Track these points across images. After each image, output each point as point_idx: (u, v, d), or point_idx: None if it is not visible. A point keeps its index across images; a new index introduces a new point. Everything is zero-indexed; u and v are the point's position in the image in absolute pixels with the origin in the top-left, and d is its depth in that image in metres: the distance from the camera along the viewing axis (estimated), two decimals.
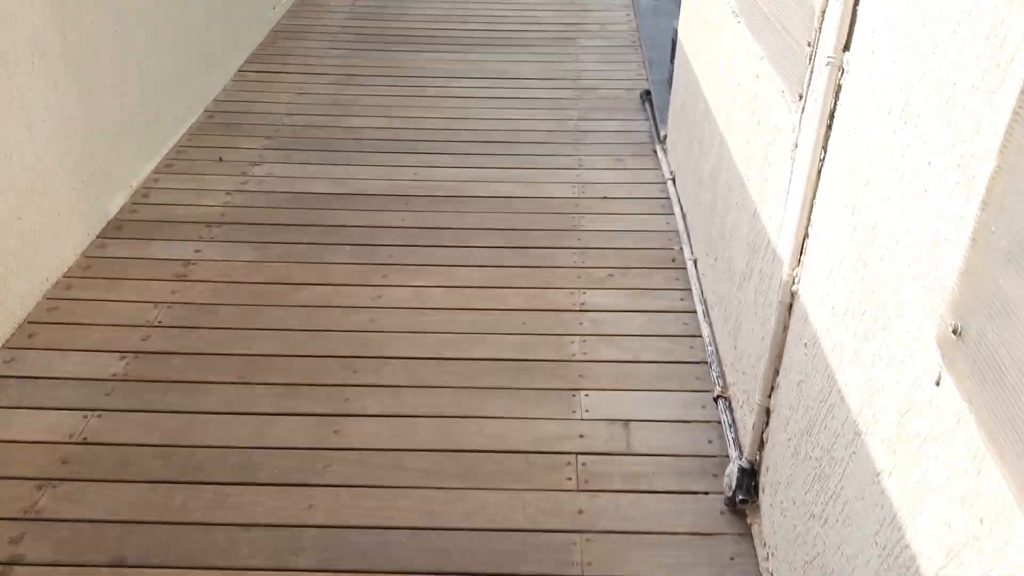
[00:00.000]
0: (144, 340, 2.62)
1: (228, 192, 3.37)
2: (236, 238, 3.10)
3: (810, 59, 1.76)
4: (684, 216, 3.13)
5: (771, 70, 2.04)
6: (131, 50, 3.27)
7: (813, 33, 1.75)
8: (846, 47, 1.57)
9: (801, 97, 1.81)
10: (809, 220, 1.72)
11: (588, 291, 2.85)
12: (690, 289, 2.83)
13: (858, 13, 1.52)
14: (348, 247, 3.08)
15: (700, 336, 2.63)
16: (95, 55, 3.00)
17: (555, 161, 3.64)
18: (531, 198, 3.38)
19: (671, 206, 3.27)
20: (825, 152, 1.66)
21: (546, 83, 4.33)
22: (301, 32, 4.90)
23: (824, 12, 1.70)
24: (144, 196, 3.33)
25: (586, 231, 3.17)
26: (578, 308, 2.77)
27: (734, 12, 2.44)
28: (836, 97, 1.61)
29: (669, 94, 3.88)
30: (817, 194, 1.69)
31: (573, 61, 4.57)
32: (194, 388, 2.45)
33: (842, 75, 1.58)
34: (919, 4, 1.26)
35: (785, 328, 1.84)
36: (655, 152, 3.65)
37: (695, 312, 2.72)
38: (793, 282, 1.79)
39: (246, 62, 4.46)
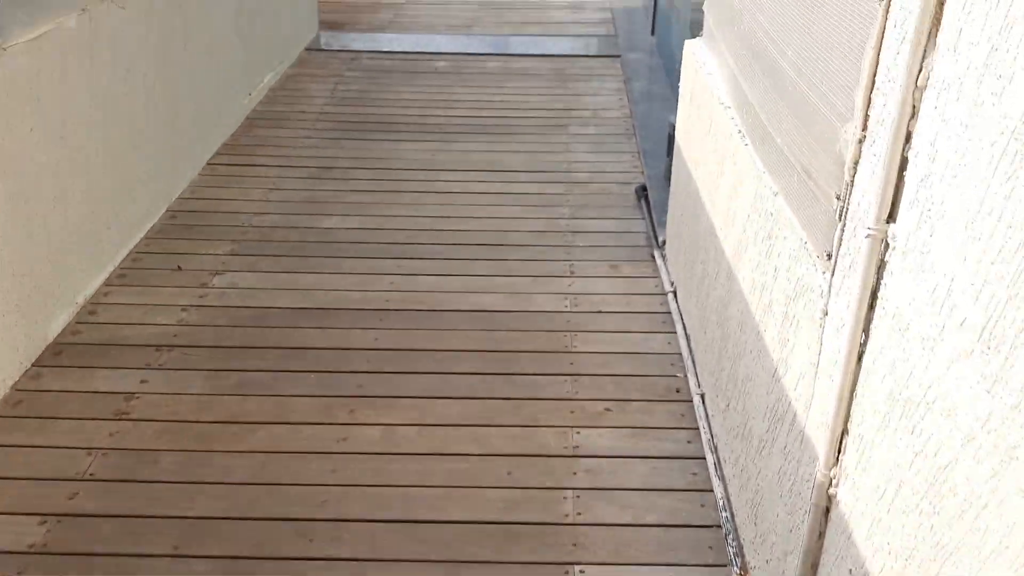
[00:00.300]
0: (71, 499, 2.27)
1: (184, 308, 3.06)
2: (188, 365, 2.78)
3: (840, 215, 1.48)
4: (688, 338, 2.82)
5: (789, 212, 1.76)
6: (79, 155, 3.00)
7: (843, 186, 1.46)
8: (890, 217, 1.28)
9: (830, 257, 1.52)
10: (848, 415, 1.41)
11: (582, 430, 2.52)
12: (697, 428, 2.51)
13: (905, 180, 1.24)
14: (313, 375, 2.75)
15: (711, 491, 2.29)
16: (33, 164, 2.73)
17: (545, 267, 3.35)
18: (518, 312, 3.08)
19: (672, 323, 2.97)
20: (867, 337, 1.35)
21: (535, 176, 4.08)
22: (278, 119, 4.67)
23: (857, 164, 1.42)
24: (91, 313, 3.02)
25: (579, 353, 2.86)
26: (571, 453, 2.44)
27: (740, 131, 2.18)
28: (879, 274, 1.32)
29: (666, 190, 3.62)
30: (858, 387, 1.38)
31: (564, 151, 4.32)
32: (122, 563, 2.09)
33: (887, 250, 1.29)
34: (990, 196, 0.97)
35: (821, 535, 1.51)
36: (653, 258, 3.37)
37: (704, 459, 2.39)
38: (831, 484, 1.47)
39: (217, 154, 4.20)
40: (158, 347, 2.86)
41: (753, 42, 2.07)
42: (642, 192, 3.78)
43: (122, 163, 3.29)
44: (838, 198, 1.49)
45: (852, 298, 1.37)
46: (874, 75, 1.36)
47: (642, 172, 4.01)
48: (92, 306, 3.06)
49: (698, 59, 2.72)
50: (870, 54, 1.36)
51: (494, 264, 3.37)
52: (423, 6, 6.97)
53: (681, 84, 2.99)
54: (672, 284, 3.12)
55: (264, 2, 4.92)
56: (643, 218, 3.66)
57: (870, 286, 1.33)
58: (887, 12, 1.31)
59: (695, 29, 4.52)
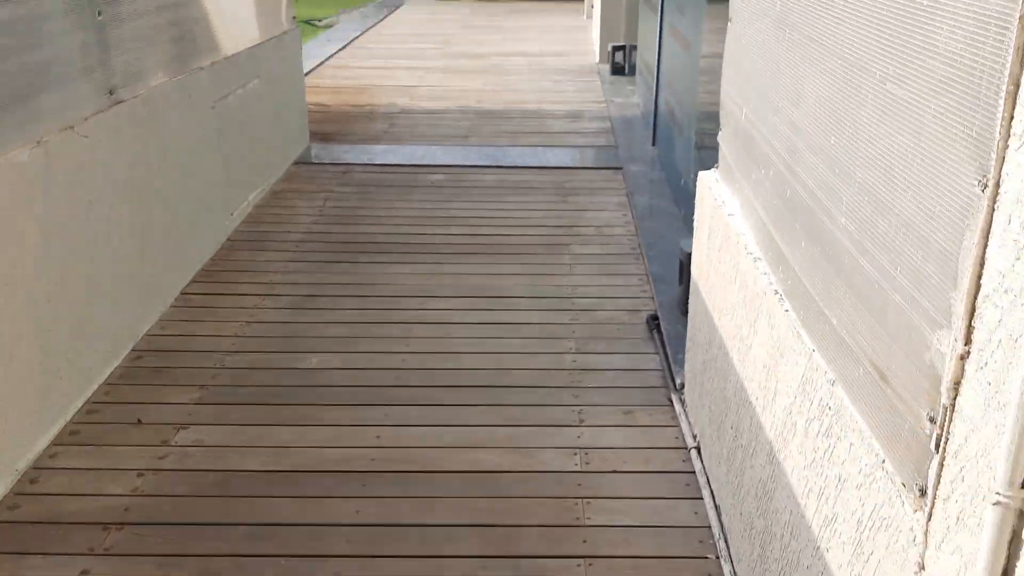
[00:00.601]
0: None
1: (140, 472, 2.69)
2: (138, 550, 2.39)
3: (937, 446, 1.14)
4: (718, 510, 2.45)
5: (854, 413, 1.43)
6: (27, 300, 2.69)
7: (938, 408, 1.14)
8: None
9: (923, 493, 1.18)
10: None
11: None
12: None
13: None
14: (283, 559, 2.36)
15: None
16: None
17: (550, 414, 2.99)
18: (522, 473, 2.70)
19: (698, 487, 2.60)
20: None
21: (537, 302, 3.78)
22: (260, 241, 4.40)
23: (958, 386, 1.10)
24: (32, 482, 2.64)
25: (593, 527, 2.47)
26: None
27: (776, 292, 1.87)
28: (1011, 550, 0.97)
29: (680, 321, 3.31)
30: None
31: (567, 274, 4.04)
32: None
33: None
34: None
35: None
36: (670, 401, 3.02)
37: None
38: None
39: (192, 282, 3.91)
40: (106, 525, 2.47)
41: (789, 194, 1.79)
42: (654, 322, 3.47)
43: (79, 305, 2.99)
44: (932, 421, 1.16)
45: (972, 569, 1.02)
46: (979, 278, 1.05)
47: (652, 298, 3.72)
48: (35, 472, 2.68)
49: (716, 195, 2.46)
50: (972, 251, 1.06)
51: (493, 411, 3.02)
52: (418, 115, 6.87)
53: (696, 218, 2.72)
54: (695, 439, 2.76)
55: (250, 118, 4.75)
56: (656, 353, 3.34)
57: (1001, 564, 0.99)
58: (994, 203, 1.02)
59: (701, 139, 4.33)
